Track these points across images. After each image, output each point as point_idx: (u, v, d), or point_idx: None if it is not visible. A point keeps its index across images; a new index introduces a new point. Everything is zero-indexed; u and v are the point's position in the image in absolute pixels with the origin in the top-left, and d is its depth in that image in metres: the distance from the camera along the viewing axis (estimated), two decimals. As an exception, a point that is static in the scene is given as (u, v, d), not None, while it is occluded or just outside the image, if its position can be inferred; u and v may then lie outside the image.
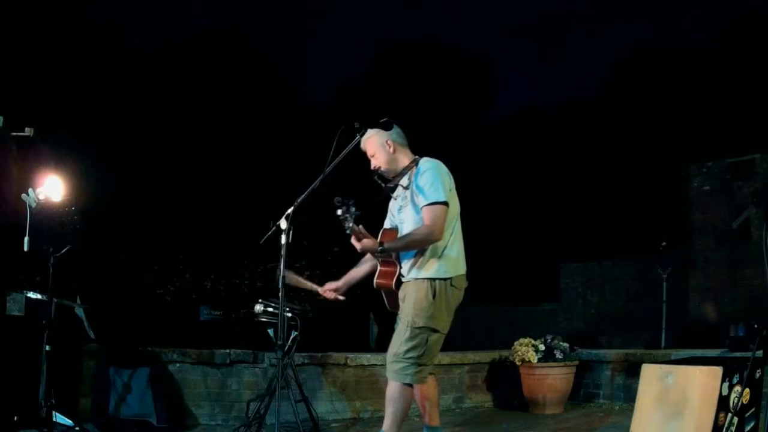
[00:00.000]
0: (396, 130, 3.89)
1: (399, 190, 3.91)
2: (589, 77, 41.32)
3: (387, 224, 4.00)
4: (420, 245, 3.69)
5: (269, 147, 19.63)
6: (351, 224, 3.53)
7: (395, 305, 3.86)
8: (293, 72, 24.76)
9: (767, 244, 3.08)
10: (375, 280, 3.89)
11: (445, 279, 3.71)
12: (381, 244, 3.69)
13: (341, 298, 4.08)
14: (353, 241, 3.68)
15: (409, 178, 3.83)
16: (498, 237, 20.25)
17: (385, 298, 3.94)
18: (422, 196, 3.68)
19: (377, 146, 3.87)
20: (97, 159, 13.76)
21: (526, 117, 24.25)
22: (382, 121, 3.80)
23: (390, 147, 3.86)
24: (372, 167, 3.92)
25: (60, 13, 17.86)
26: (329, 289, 4.08)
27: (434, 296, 3.67)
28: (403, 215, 3.85)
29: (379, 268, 3.87)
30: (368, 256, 3.95)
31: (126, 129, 17.51)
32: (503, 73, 37.84)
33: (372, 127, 3.84)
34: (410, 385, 3.65)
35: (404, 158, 3.89)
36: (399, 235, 3.81)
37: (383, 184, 3.93)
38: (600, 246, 17.90)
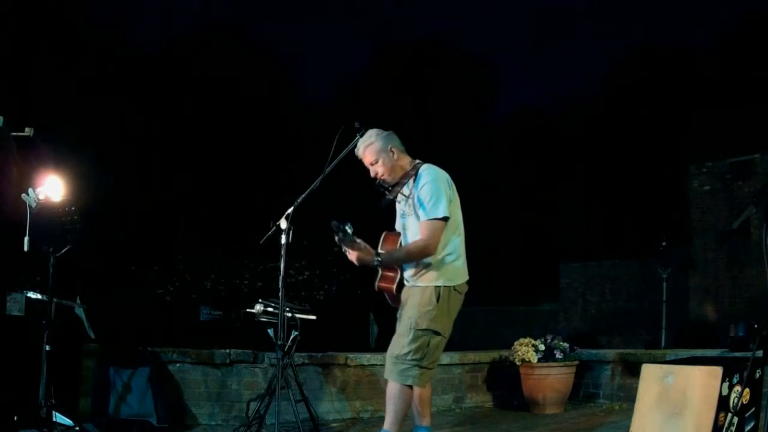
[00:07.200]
0: (396, 137, 3.84)
1: (400, 197, 3.86)
2: (589, 77, 41.33)
3: (397, 227, 3.97)
4: (415, 259, 3.72)
5: (269, 147, 19.64)
6: (349, 242, 3.63)
7: (397, 302, 3.87)
8: (293, 71, 24.70)
9: (767, 244, 3.07)
10: (377, 283, 3.90)
11: (448, 286, 3.72)
12: (378, 255, 3.73)
13: None
14: (349, 256, 3.76)
15: (411, 187, 3.78)
16: (498, 237, 20.24)
17: (387, 297, 3.95)
18: (422, 210, 3.66)
19: (379, 153, 3.77)
20: (97, 159, 13.77)
21: (526, 117, 24.25)
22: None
23: (394, 154, 3.78)
24: (373, 176, 3.83)
25: (60, 13, 17.86)
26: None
27: (438, 300, 3.68)
28: (407, 223, 3.82)
29: (381, 272, 3.88)
30: None
31: (126, 128, 17.51)
32: (503, 73, 37.89)
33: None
34: (410, 386, 3.66)
35: (406, 164, 3.82)
36: (401, 240, 3.83)
37: (384, 191, 3.85)
38: (600, 246, 17.90)
